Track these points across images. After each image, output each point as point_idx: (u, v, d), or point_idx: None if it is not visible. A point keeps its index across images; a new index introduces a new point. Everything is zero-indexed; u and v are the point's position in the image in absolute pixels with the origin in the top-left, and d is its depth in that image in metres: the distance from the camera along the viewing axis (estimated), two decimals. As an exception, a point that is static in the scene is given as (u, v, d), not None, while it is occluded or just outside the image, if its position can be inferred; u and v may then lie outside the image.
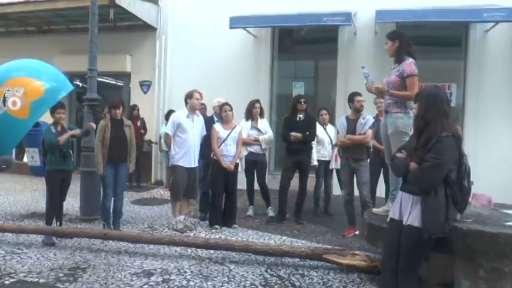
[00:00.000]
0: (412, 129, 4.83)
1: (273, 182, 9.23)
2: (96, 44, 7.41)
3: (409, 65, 4.66)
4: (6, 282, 4.57)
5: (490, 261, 3.29)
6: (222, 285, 4.55)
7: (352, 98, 6.65)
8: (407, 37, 4.85)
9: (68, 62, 10.94)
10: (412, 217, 3.34)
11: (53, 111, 6.10)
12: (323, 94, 10.87)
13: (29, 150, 6.75)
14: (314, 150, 7.68)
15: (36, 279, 4.66)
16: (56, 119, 6.23)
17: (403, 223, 3.43)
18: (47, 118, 6.33)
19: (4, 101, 4.48)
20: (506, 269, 3.28)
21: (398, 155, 3.67)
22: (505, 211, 4.38)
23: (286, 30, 10.79)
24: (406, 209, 3.43)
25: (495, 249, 3.26)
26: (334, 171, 8.01)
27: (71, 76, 11.23)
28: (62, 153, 6.16)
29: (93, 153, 6.72)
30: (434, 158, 3.23)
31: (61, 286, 4.48)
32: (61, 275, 4.80)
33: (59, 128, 6.23)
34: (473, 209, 4.39)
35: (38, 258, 5.35)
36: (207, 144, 7.07)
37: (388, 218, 3.83)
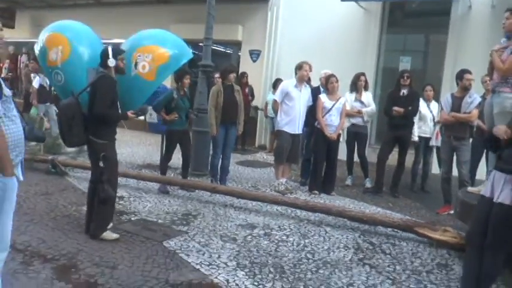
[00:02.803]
0: None
1: (372, 155, 9.34)
2: (213, 15, 7.98)
3: None
4: (133, 218, 5.43)
5: None
6: (318, 244, 4.96)
7: (461, 75, 6.52)
8: None
9: (183, 30, 11.71)
10: (504, 195, 3.41)
11: (180, 77, 6.76)
12: (431, 69, 10.70)
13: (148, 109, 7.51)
14: (415, 126, 7.68)
15: (155, 220, 5.43)
16: (183, 84, 6.85)
17: (494, 200, 3.49)
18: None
19: (136, 64, 5.12)
20: None
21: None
22: None
23: (398, 2, 10.66)
24: (497, 187, 3.49)
25: None
26: (435, 149, 7.97)
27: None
28: (186, 115, 6.87)
29: (205, 114, 7.34)
30: None
31: (176, 228, 5.20)
32: (175, 218, 5.53)
33: (181, 93, 6.89)
34: None
35: (155, 203, 6.15)
36: (312, 113, 7.41)
37: (480, 196, 3.93)
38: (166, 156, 7.00)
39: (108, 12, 14.28)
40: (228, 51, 13.73)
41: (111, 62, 4.58)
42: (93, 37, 5.87)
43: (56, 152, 8.33)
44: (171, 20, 12.51)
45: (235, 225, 5.39)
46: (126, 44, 5.65)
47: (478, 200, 3.84)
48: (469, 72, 6.50)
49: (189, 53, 5.99)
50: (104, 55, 4.62)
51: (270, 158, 9.84)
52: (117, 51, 4.72)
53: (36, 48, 5.92)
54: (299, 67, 7.13)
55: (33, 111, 10.25)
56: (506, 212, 3.39)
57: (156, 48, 5.61)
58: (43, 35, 5.82)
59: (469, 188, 5.20)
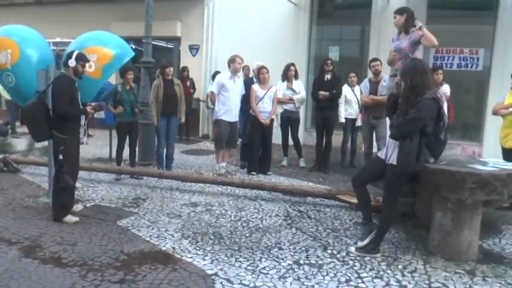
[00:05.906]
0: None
1: (308, 138, 10.19)
2: (151, 15, 8.52)
3: (416, 32, 5.60)
4: (88, 205, 6.00)
5: (452, 193, 4.16)
6: (252, 215, 5.72)
7: (369, 63, 7.56)
8: (412, 11, 5.78)
9: (124, 28, 12.22)
10: (393, 157, 4.26)
11: (123, 73, 7.44)
12: (357, 57, 11.64)
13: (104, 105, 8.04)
14: (342, 109, 8.58)
15: (108, 205, 6.05)
16: (126, 80, 7.51)
17: (386, 162, 4.37)
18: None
19: (83, 64, 5.65)
20: (468, 201, 4.15)
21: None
22: (484, 159, 5.18)
23: (324, -4, 11.54)
24: (389, 151, 4.36)
25: (453, 183, 4.11)
26: (360, 128, 8.86)
27: (126, 40, 12.53)
28: (132, 108, 7.47)
29: (149, 108, 7.91)
30: (414, 113, 4.11)
31: (127, 209, 5.84)
32: (126, 202, 6.17)
33: (127, 87, 7.50)
34: (459, 157, 5.21)
35: (107, 191, 6.76)
36: (247, 102, 8.14)
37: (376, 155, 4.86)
38: (119, 147, 7.62)
39: (48, 11, 14.32)
40: (170, 46, 14.21)
41: (71, 63, 5.22)
42: (41, 40, 6.32)
43: (6, 151, 8.68)
44: (112, 18, 12.92)
45: (180, 205, 6.07)
46: (71, 46, 6.14)
47: (373, 158, 4.72)
48: (375, 60, 7.68)
49: (130, 52, 6.56)
50: (68, 55, 5.25)
51: (213, 146, 10.48)
52: (82, 56, 5.34)
53: (-15, 52, 6.31)
54: (232, 60, 7.82)
55: None
56: (394, 171, 4.24)
57: (100, 48, 6.15)
58: (-10, 40, 6.20)
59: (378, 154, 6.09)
